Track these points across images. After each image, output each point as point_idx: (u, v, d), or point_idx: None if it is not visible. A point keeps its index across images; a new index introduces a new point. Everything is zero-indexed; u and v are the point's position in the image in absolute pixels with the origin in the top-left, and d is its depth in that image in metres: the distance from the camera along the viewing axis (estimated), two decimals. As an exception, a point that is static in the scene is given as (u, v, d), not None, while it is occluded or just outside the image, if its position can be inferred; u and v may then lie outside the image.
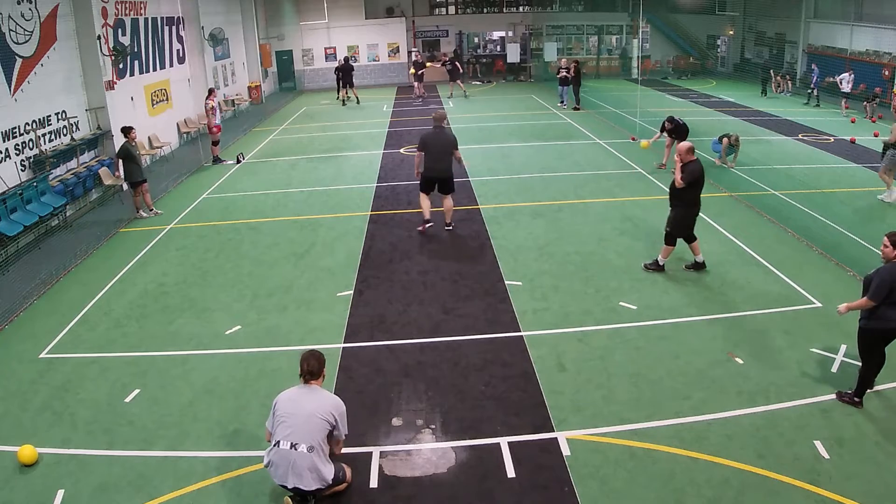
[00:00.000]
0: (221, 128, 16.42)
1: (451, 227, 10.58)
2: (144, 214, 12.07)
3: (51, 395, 6.51)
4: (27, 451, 5.44)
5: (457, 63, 26.45)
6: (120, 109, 14.30)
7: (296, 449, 4.65)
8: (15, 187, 10.73)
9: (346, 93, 25.68)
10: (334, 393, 6.29)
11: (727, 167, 14.04)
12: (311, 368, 4.85)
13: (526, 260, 9.43)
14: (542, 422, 5.82)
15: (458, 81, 26.14)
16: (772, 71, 25.86)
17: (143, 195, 12.14)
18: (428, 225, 10.54)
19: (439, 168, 10.20)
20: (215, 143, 16.19)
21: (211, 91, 16.61)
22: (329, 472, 4.80)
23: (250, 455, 5.49)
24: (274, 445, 4.74)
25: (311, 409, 4.73)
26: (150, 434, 5.83)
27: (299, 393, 4.84)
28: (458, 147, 10.32)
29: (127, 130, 11.99)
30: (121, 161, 11.78)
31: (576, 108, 21.90)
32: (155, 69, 17.06)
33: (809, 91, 23.09)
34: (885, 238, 5.71)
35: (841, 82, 21.19)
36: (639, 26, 30.45)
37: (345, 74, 25.24)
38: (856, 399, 5.90)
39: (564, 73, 22.20)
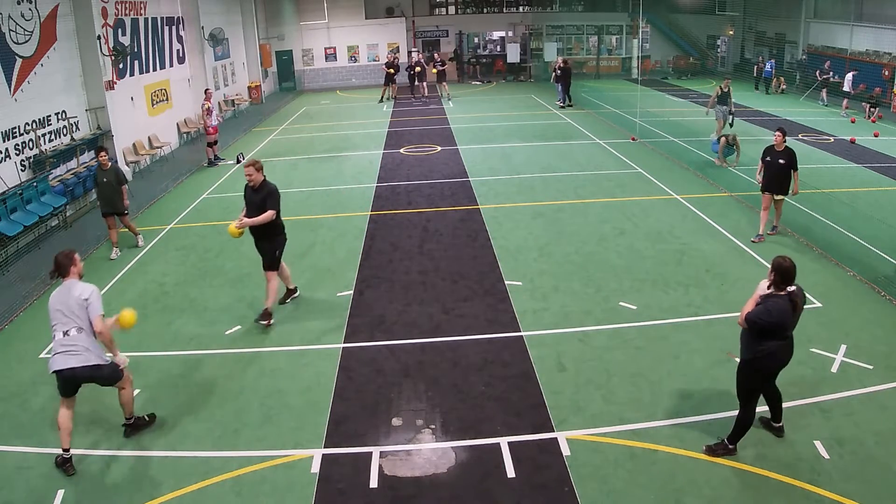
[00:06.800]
0: (218, 129, 16.37)
1: None
2: (112, 257, 10.01)
3: (51, 395, 6.48)
4: (128, 315, 5.67)
5: (446, 66, 27.02)
6: (120, 109, 14.31)
7: (68, 335, 5.26)
8: (15, 187, 10.73)
9: (390, 91, 26.06)
10: (334, 393, 6.34)
11: (724, 167, 14.05)
12: (60, 265, 5.42)
13: (526, 260, 9.43)
14: (542, 422, 5.82)
15: (444, 83, 26.08)
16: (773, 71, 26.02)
17: (110, 230, 10.10)
18: None
19: None
20: (210, 145, 16.09)
21: (207, 92, 16.59)
22: (103, 352, 5.42)
23: (250, 455, 5.49)
24: (53, 342, 5.30)
25: (70, 297, 5.34)
26: (150, 434, 5.84)
27: (61, 290, 5.42)
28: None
29: (96, 152, 10.32)
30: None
31: (566, 106, 21.88)
32: (155, 69, 17.06)
33: (756, 78, 26.74)
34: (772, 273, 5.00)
35: (846, 82, 21.22)
36: (639, 26, 30.44)
37: (395, 73, 25.75)
38: (730, 446, 5.30)
39: (558, 72, 22.46)
